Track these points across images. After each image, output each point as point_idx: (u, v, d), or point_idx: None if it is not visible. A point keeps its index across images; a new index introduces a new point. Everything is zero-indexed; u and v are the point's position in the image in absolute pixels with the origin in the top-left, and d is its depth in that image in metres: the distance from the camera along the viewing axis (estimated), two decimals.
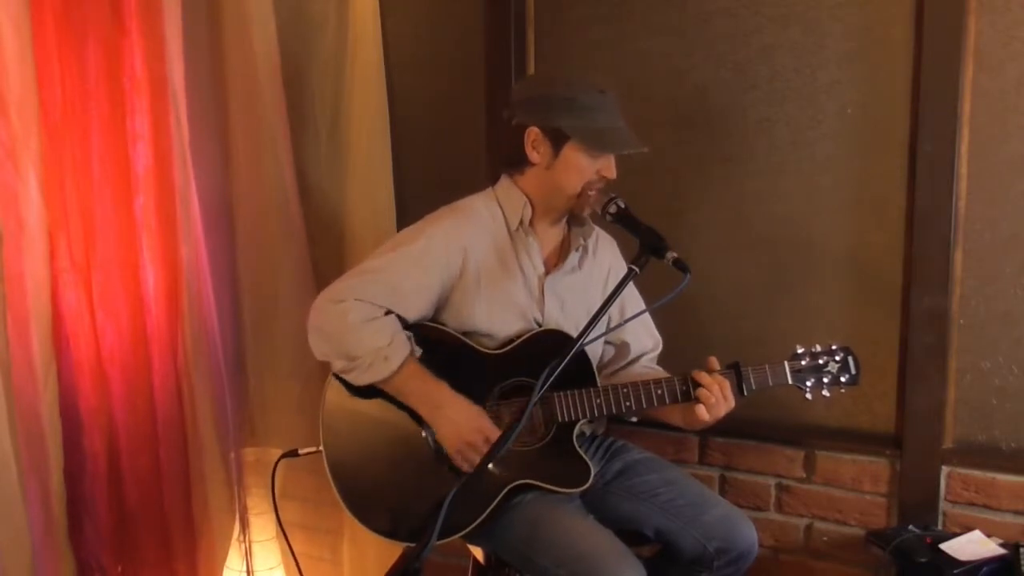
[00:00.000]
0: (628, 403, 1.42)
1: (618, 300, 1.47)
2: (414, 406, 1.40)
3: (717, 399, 1.38)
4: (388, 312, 1.41)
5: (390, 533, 1.39)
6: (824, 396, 1.46)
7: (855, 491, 1.75)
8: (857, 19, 1.66)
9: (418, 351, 1.44)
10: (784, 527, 1.82)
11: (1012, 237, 1.60)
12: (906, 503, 1.70)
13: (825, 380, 1.44)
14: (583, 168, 1.43)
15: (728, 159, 1.80)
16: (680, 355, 1.70)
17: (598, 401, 1.42)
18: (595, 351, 1.57)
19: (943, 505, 1.68)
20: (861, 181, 1.70)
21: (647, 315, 1.62)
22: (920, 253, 1.63)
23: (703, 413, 1.38)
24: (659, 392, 1.41)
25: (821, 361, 1.45)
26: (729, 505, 1.53)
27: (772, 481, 1.82)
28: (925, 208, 1.62)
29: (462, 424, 1.38)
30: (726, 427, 1.63)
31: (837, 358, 1.45)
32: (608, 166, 1.44)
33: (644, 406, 1.42)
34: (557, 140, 1.42)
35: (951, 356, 1.65)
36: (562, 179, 1.44)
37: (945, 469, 1.67)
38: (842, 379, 1.45)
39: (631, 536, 1.49)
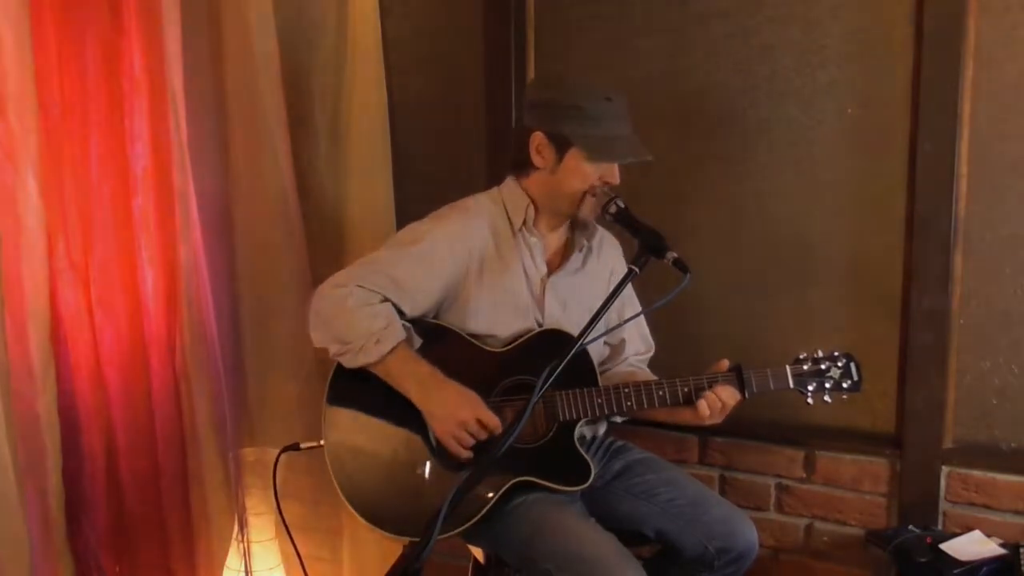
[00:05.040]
0: (629, 403, 1.42)
1: (616, 299, 1.51)
2: (406, 391, 1.39)
3: (723, 408, 1.40)
4: (386, 300, 1.41)
5: (391, 529, 1.39)
6: (826, 402, 1.46)
7: (855, 491, 1.75)
8: (857, 19, 1.66)
9: (417, 341, 1.44)
10: (784, 527, 1.82)
11: (1012, 237, 1.60)
12: (906, 503, 1.69)
13: (827, 385, 1.44)
14: (586, 174, 1.43)
15: (728, 159, 1.80)
16: (679, 355, 1.70)
17: (599, 401, 1.41)
18: (597, 351, 1.57)
19: (943, 505, 1.68)
20: (861, 181, 1.70)
21: (641, 318, 1.63)
22: (920, 253, 1.63)
23: (704, 418, 1.39)
24: (660, 393, 1.41)
25: (823, 366, 1.44)
26: (729, 505, 1.53)
27: (772, 481, 1.82)
28: (925, 209, 1.62)
29: (454, 407, 1.37)
30: (726, 427, 1.63)
31: (839, 364, 1.45)
32: (611, 172, 1.45)
33: (645, 407, 1.42)
34: (561, 146, 1.43)
35: (951, 356, 1.65)
36: (565, 184, 1.44)
37: (945, 469, 1.67)
38: (844, 385, 1.45)
39: (631, 536, 1.49)
